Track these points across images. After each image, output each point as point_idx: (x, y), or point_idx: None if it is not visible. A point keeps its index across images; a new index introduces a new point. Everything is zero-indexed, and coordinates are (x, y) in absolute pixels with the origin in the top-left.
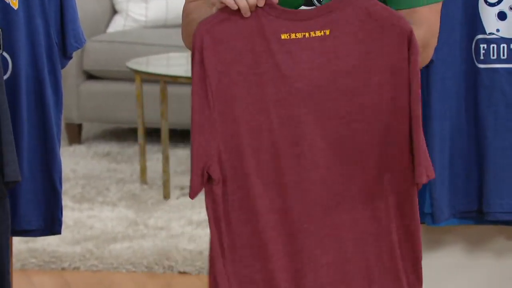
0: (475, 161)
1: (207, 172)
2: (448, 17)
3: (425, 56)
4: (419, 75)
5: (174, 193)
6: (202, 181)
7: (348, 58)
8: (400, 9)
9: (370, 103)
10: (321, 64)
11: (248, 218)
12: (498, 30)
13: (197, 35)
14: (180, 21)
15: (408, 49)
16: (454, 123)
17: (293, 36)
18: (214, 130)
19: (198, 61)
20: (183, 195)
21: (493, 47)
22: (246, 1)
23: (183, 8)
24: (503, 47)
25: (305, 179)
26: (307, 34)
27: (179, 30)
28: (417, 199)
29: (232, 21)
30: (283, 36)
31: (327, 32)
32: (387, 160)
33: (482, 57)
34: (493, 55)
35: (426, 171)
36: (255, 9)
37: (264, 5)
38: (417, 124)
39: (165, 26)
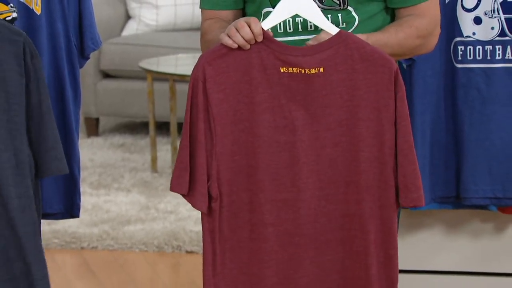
0: (453, 152)
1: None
2: None
3: (430, 42)
4: (407, 111)
5: None
6: (206, 199)
7: (340, 94)
8: (405, 7)
9: (359, 136)
10: (316, 97)
11: (240, 228)
12: (474, 33)
13: (200, 67)
14: (187, 25)
15: (395, 87)
16: (434, 117)
17: (290, 70)
18: (214, 152)
19: (202, 91)
20: None
21: (470, 48)
22: (243, 38)
23: (201, 25)
24: (479, 48)
25: (298, 198)
26: (302, 70)
27: (187, 34)
28: (396, 227)
29: (233, 54)
30: (282, 69)
31: (321, 69)
32: (370, 188)
33: (459, 58)
34: (470, 56)
35: (413, 198)
36: (255, 42)
37: (263, 39)
38: (406, 153)
39: (174, 30)
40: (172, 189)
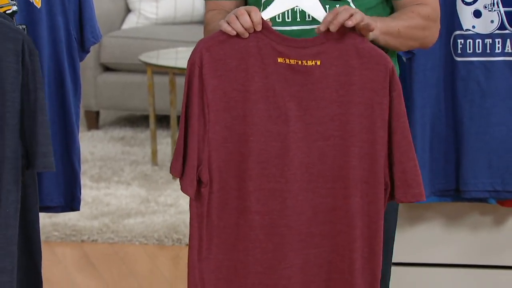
0: (453, 145)
1: (197, 175)
2: None
3: (434, 30)
4: (404, 109)
5: None
6: (194, 184)
7: (335, 88)
8: None
9: (351, 131)
10: (311, 90)
11: (228, 214)
12: (473, 27)
13: (197, 52)
14: (187, 18)
15: (390, 85)
16: (433, 111)
17: (287, 61)
18: (206, 137)
19: (198, 76)
20: None
21: (469, 42)
22: (242, 25)
23: (204, 16)
24: (478, 42)
25: (286, 189)
26: (300, 62)
27: (187, 27)
28: (383, 223)
29: (231, 42)
30: (279, 60)
31: (318, 62)
32: (358, 184)
33: (459, 51)
34: (469, 49)
35: (415, 193)
36: (254, 31)
37: (262, 28)
38: (405, 150)
39: (174, 23)
40: (170, 171)
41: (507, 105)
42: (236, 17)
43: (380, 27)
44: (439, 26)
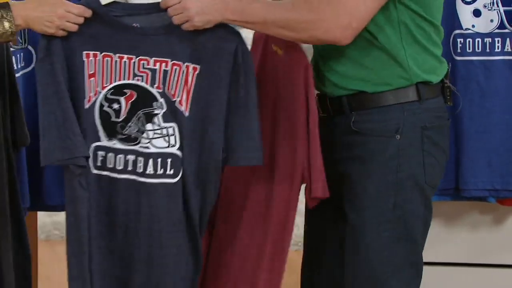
0: (453, 145)
1: None
2: None
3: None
4: (314, 105)
5: None
6: None
7: (272, 83)
8: None
9: (278, 125)
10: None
11: None
12: (473, 26)
13: None
14: None
15: (305, 81)
16: None
17: (273, 48)
18: None
19: None
20: None
21: (469, 41)
22: None
23: None
24: (478, 41)
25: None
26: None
27: None
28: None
29: None
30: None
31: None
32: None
33: (459, 50)
34: (469, 49)
35: (318, 189)
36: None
37: None
38: (313, 148)
39: None
40: None
41: (507, 105)
42: None
43: (232, 11)
44: (336, 11)
